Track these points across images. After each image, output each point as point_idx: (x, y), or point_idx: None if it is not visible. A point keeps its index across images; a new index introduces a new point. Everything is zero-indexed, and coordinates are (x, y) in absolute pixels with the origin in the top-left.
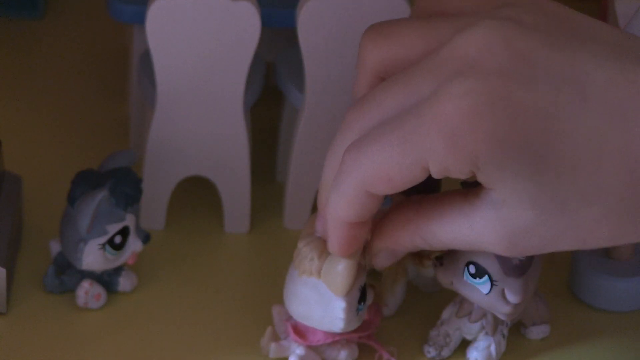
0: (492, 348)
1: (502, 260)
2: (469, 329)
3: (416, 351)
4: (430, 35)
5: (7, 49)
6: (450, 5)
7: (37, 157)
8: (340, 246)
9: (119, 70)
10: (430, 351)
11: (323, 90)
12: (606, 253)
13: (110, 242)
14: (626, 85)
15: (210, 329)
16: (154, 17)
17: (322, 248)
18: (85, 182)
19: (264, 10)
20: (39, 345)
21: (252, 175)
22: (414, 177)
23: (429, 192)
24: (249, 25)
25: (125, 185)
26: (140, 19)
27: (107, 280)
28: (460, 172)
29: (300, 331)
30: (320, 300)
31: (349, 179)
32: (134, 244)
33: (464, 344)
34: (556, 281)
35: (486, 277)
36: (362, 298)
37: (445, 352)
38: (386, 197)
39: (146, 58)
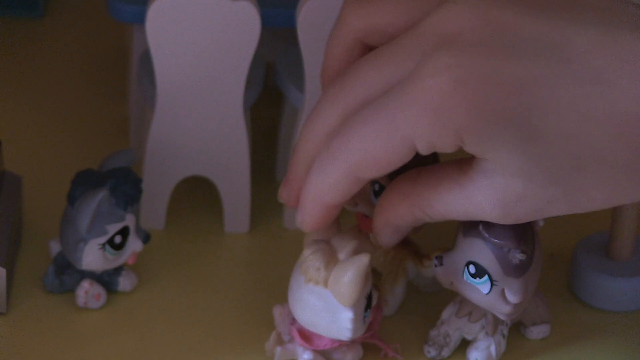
0: (492, 348)
1: (502, 260)
2: (469, 329)
3: (416, 351)
4: (413, 6)
5: (6, 48)
6: None
7: (37, 157)
8: (315, 224)
9: (118, 70)
10: (430, 351)
11: None
12: (606, 253)
13: (110, 242)
14: (608, 49)
15: (210, 329)
16: (154, 17)
17: (329, 257)
18: (85, 182)
19: (264, 10)
20: (39, 345)
21: (252, 174)
22: (402, 158)
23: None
24: (249, 25)
25: (125, 185)
26: (140, 19)
27: (107, 280)
28: (447, 147)
29: (306, 335)
30: (327, 309)
31: (336, 164)
32: (134, 244)
33: (464, 344)
34: (556, 281)
35: (486, 277)
36: (368, 304)
37: (445, 352)
38: None
39: (146, 58)
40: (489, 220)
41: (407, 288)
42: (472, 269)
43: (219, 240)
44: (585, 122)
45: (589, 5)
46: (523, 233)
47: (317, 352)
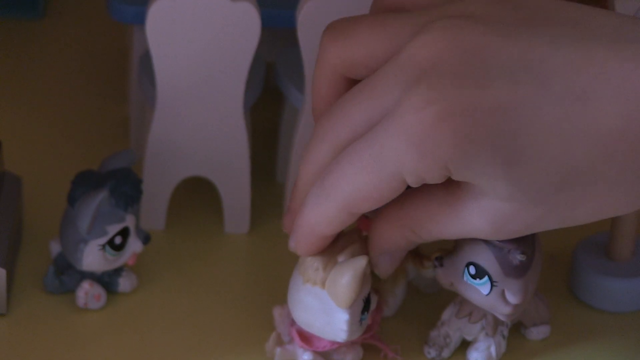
0: (492, 349)
1: (502, 261)
2: (469, 329)
3: (416, 352)
4: (387, 35)
5: (7, 49)
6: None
7: (37, 158)
8: (309, 252)
9: (119, 71)
10: (431, 352)
11: None
12: (606, 254)
13: (111, 242)
14: (586, 66)
15: (210, 330)
16: (154, 18)
17: (328, 258)
18: (86, 182)
19: (264, 11)
20: (39, 345)
21: (252, 175)
22: (393, 192)
23: None
24: (249, 26)
25: (125, 186)
26: (141, 20)
27: (107, 280)
28: (435, 178)
29: (305, 337)
30: (323, 310)
31: (330, 200)
32: (134, 245)
33: (464, 345)
34: (556, 282)
35: (486, 277)
36: (366, 307)
37: (446, 353)
38: None
39: (146, 58)
40: (481, 237)
41: (407, 289)
42: (472, 269)
43: (219, 241)
44: (569, 142)
45: (563, 18)
46: None
47: (316, 353)
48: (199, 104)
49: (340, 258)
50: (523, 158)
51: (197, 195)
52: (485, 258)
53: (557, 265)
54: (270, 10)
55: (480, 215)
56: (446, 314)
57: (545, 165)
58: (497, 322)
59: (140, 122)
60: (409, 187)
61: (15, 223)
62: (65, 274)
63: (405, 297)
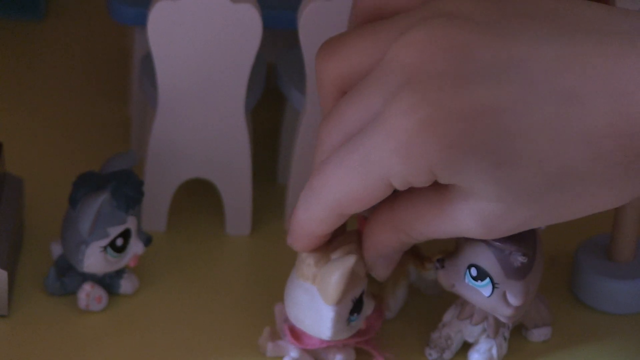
0: (494, 350)
1: (503, 262)
2: (470, 331)
3: (417, 353)
4: (376, 39)
5: (7, 50)
6: (389, 4)
7: (39, 159)
8: (305, 249)
9: (120, 72)
10: (432, 354)
11: None
12: (607, 255)
13: (112, 244)
14: (571, 63)
15: (211, 331)
16: (155, 19)
17: (321, 255)
18: (87, 184)
19: (265, 12)
20: (40, 347)
21: (254, 177)
22: (381, 194)
23: None
24: (250, 27)
25: (126, 188)
26: (142, 21)
27: (108, 282)
28: (422, 182)
29: (297, 334)
30: (311, 305)
31: (320, 202)
32: (136, 246)
33: (466, 347)
34: (558, 283)
35: (487, 279)
36: (356, 309)
37: (447, 355)
38: None
39: (147, 60)
40: (473, 237)
41: (408, 291)
42: (473, 271)
43: (221, 243)
44: (557, 142)
45: (551, 15)
46: (524, 235)
47: (305, 351)
48: (200, 106)
49: (334, 256)
50: (511, 160)
51: (198, 197)
52: (487, 260)
53: (558, 267)
54: (271, 12)
55: (470, 216)
56: (447, 316)
57: (534, 166)
58: (498, 324)
59: (142, 123)
60: None
61: (17, 224)
62: (67, 275)
63: (406, 299)
